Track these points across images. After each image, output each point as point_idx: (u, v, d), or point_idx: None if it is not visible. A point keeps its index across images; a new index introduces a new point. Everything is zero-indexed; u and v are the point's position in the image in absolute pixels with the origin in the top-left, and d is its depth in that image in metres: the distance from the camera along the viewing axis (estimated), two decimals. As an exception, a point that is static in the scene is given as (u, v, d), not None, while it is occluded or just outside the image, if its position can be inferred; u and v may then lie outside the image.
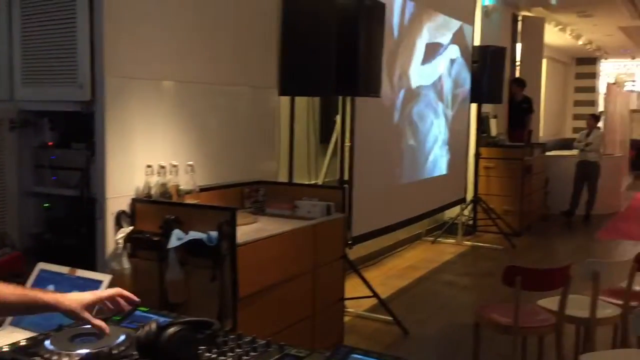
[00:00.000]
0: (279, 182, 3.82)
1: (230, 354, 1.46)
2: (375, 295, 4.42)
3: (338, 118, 4.55)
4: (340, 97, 4.46)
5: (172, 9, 2.99)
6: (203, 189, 3.06)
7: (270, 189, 3.57)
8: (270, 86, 3.73)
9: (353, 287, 4.50)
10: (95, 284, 1.74)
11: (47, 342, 1.44)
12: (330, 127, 4.73)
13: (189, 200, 2.86)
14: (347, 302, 4.34)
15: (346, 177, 4.46)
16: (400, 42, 5.21)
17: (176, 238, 2.55)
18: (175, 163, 2.86)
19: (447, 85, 6.42)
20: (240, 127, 3.51)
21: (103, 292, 1.59)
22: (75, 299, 1.51)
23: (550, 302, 3.32)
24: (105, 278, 1.73)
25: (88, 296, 1.52)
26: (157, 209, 2.69)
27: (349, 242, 4.54)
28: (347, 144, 4.49)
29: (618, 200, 9.72)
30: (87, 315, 1.48)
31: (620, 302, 3.37)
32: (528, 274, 3.09)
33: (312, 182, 4.86)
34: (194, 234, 2.56)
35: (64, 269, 1.84)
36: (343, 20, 3.98)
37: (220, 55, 3.30)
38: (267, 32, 3.68)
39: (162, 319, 1.65)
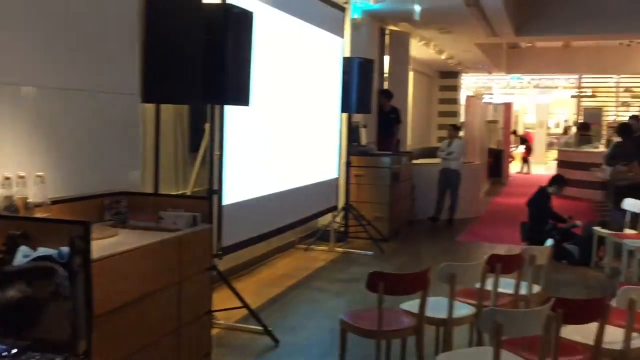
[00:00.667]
0: (142, 193, 3.68)
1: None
2: (245, 305, 4.38)
3: (207, 126, 4.46)
4: (209, 105, 4.39)
5: (18, 10, 2.78)
6: (56, 202, 2.87)
7: (133, 200, 3.42)
8: (132, 92, 3.58)
9: (225, 298, 4.43)
10: None
11: None
12: (200, 136, 4.63)
13: (39, 214, 2.66)
14: (217, 314, 4.27)
15: (216, 186, 4.39)
16: (271, 51, 5.23)
17: (22, 255, 2.35)
18: (22, 174, 2.65)
19: (317, 95, 6.55)
20: (99, 135, 3.34)
21: None
22: None
23: (412, 305, 3.46)
24: None
25: None
26: (1, 224, 2.47)
27: (219, 252, 4.47)
28: (217, 152, 4.43)
29: (478, 205, 10.42)
30: None
31: (474, 302, 3.59)
32: (390, 279, 3.20)
33: (181, 192, 4.73)
34: (43, 251, 2.38)
35: None
36: (211, 27, 3.93)
37: (76, 59, 3.12)
38: (128, 36, 3.53)
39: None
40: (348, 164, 7.47)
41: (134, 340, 2.76)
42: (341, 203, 7.39)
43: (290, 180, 5.92)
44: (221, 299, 4.37)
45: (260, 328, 4.31)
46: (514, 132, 21.58)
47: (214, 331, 4.11)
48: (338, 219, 7.38)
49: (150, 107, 4.07)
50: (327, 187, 6.96)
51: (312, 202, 6.55)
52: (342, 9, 7.21)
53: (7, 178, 2.58)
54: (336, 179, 7.25)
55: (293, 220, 6.10)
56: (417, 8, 8.13)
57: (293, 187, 5.97)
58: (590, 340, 2.93)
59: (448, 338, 3.43)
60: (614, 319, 3.01)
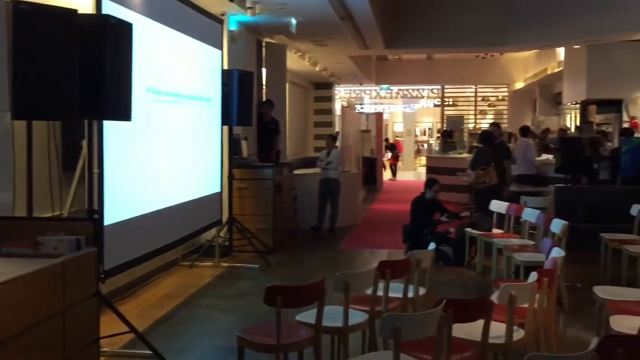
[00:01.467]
0: (16, 217, 3.39)
1: None
2: (132, 329, 4.18)
3: (84, 143, 4.21)
4: (87, 121, 4.15)
5: None
6: None
7: (5, 225, 3.15)
8: (2, 109, 3.30)
9: (109, 323, 4.19)
10: None
11: None
12: (76, 153, 4.36)
13: None
14: (103, 341, 4.02)
15: (95, 206, 4.16)
16: (149, 63, 5.06)
17: None
18: None
19: (199, 108, 6.42)
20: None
21: None
22: None
23: (308, 316, 3.48)
24: None
25: None
26: None
27: (101, 276, 4.23)
28: (96, 170, 4.20)
29: (356, 212, 10.73)
30: None
31: (366, 308, 3.69)
32: (287, 292, 3.20)
33: (57, 213, 4.41)
34: None
35: None
36: (87, 39, 3.73)
37: None
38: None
39: None
40: (231, 177, 7.39)
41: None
42: (225, 217, 7.29)
43: (173, 196, 5.75)
44: (105, 324, 4.12)
45: (149, 352, 4.13)
46: (386, 140, 22.59)
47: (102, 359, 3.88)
48: (222, 233, 7.27)
49: (20, 124, 3.76)
50: (210, 202, 6.84)
51: (196, 218, 6.40)
52: (220, 21, 7.14)
53: None
54: (219, 193, 7.14)
55: (178, 237, 5.92)
56: (293, 21, 8.26)
57: (176, 203, 5.80)
58: (477, 337, 3.11)
59: (345, 346, 3.49)
60: (495, 315, 3.23)
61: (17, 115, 3.45)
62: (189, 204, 6.14)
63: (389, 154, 21.05)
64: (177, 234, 5.89)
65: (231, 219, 7.30)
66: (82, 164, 4.27)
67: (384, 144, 22.02)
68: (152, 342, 4.21)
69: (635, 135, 10.92)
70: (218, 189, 7.11)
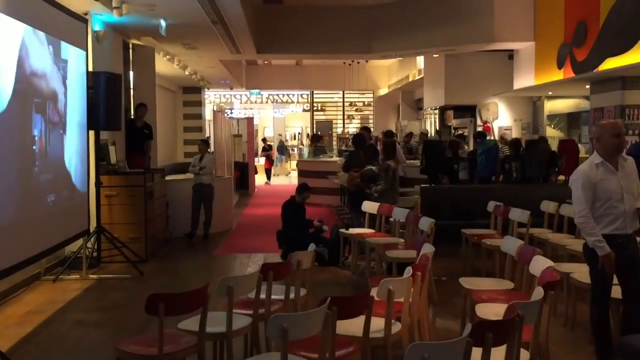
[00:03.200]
0: None
1: None
2: (-5, 351, 3.84)
3: None
4: None
5: None
6: None
7: None
8: None
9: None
10: None
11: None
12: None
13: None
14: (-43, 367, 3.66)
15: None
16: (8, 63, 4.68)
17: None
18: None
19: (62, 112, 6.04)
20: None
21: None
22: None
23: (190, 323, 3.40)
24: None
25: None
26: None
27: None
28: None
29: (230, 217, 10.63)
30: None
31: (249, 312, 3.67)
32: (170, 299, 3.11)
33: None
34: None
35: None
36: None
37: None
38: None
39: None
40: (98, 184, 7.02)
41: None
42: (92, 226, 6.91)
43: (34, 206, 5.35)
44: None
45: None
46: (264, 140, 22.66)
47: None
48: (90, 244, 6.88)
49: None
50: (75, 210, 6.45)
51: (60, 228, 6.00)
52: (84, 20, 6.77)
53: None
54: (86, 201, 6.75)
55: (40, 251, 5.51)
56: (163, 23, 8.04)
57: (37, 213, 5.41)
58: (358, 333, 3.22)
59: (229, 351, 3.45)
60: (375, 310, 3.35)
61: None
62: (52, 213, 5.75)
63: (262, 159, 21.10)
64: (40, 247, 5.49)
65: (99, 228, 6.94)
66: None
67: (261, 144, 22.13)
68: (16, 362, 3.90)
69: (488, 138, 11.87)
70: (85, 197, 6.73)
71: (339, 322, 3.10)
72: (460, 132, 14.33)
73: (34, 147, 5.36)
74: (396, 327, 3.48)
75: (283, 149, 24.21)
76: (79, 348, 4.61)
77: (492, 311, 3.66)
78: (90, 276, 6.64)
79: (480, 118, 14.66)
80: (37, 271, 6.38)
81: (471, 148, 11.84)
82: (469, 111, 14.88)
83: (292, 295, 4.01)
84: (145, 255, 7.47)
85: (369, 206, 7.24)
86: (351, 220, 8.16)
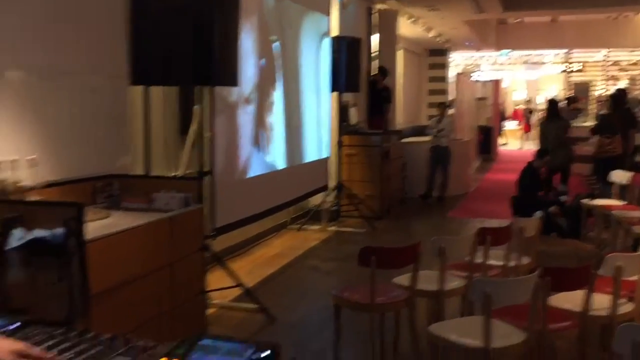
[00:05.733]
0: (134, 176, 3.70)
1: (75, 349, 1.40)
2: (240, 284, 4.43)
3: (197, 108, 4.46)
4: (198, 87, 4.39)
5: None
6: (49, 185, 2.88)
7: (125, 182, 3.44)
8: (120, 75, 3.58)
9: (219, 278, 4.47)
10: None
11: None
12: (190, 118, 4.63)
13: (32, 197, 2.68)
14: (212, 294, 4.31)
15: (207, 168, 4.41)
16: (260, 31, 5.22)
17: (17, 238, 2.38)
18: (14, 158, 2.66)
19: (308, 75, 6.55)
20: (89, 118, 3.34)
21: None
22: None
23: (403, 279, 3.52)
24: None
25: (18, 344, 1.43)
26: (-5, 207, 2.49)
27: (213, 233, 4.50)
28: (207, 134, 4.44)
29: (468, 181, 10.49)
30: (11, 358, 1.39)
31: (465, 274, 3.65)
32: (382, 253, 3.25)
33: (172, 174, 4.74)
34: (37, 233, 2.40)
35: None
36: (198, 6, 3.91)
37: (64, 42, 3.12)
38: (114, 18, 3.52)
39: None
40: (339, 143, 7.50)
41: (129, 320, 2.79)
42: (333, 182, 7.43)
43: (282, 161, 5.95)
44: (216, 279, 4.41)
45: (255, 306, 4.37)
46: (528, 103, 21.69)
47: (210, 311, 4.16)
48: (330, 199, 7.42)
49: (138, 89, 4.07)
50: (318, 167, 6.99)
51: (304, 182, 6.58)
52: (330, -12, 7.18)
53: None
54: (327, 159, 7.28)
55: (285, 201, 6.13)
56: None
57: (285, 167, 6.00)
58: (578, 307, 3.00)
59: (440, 309, 3.49)
60: (601, 287, 3.08)
61: (135, 81, 3.73)
62: (297, 168, 6.33)
63: (515, 123, 20.17)
64: (286, 197, 6.10)
65: (339, 185, 7.43)
66: (194, 128, 4.53)
67: (525, 110, 21.21)
68: (259, 297, 4.45)
69: None
70: (326, 155, 7.25)
71: (558, 295, 2.92)
72: None
73: (284, 107, 5.93)
74: (626, 307, 3.15)
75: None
76: (311, 291, 5.07)
77: None
78: (329, 228, 7.18)
79: None
80: (285, 220, 7.10)
81: None
82: None
83: (512, 263, 3.87)
84: (380, 212, 7.80)
85: (619, 175, 6.52)
86: (599, 190, 7.46)
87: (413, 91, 15.47)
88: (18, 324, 1.60)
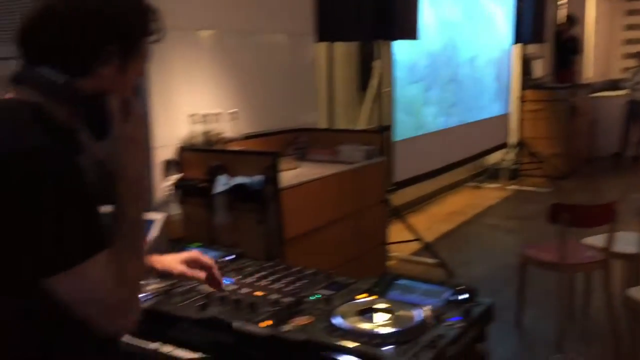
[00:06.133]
0: (319, 129, 3.85)
1: (281, 281, 1.52)
2: (419, 238, 4.46)
3: (376, 64, 4.50)
4: (378, 42, 4.41)
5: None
6: (247, 137, 3.11)
7: (311, 135, 3.60)
8: (307, 32, 3.72)
9: (397, 232, 4.54)
10: (148, 223, 1.82)
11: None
12: (369, 73, 4.70)
13: (233, 147, 2.92)
14: (391, 247, 4.40)
15: (386, 123, 4.45)
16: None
17: (222, 184, 2.62)
18: (218, 111, 2.91)
19: (489, 26, 6.26)
20: (280, 75, 3.53)
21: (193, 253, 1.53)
22: (170, 259, 1.48)
23: (595, 239, 3.29)
24: (158, 216, 1.81)
25: (182, 255, 1.51)
26: (203, 156, 2.76)
27: (391, 187, 4.56)
28: (386, 89, 4.46)
29: (670, 140, 9.39)
30: (181, 268, 1.47)
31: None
32: (574, 210, 3.06)
33: (353, 128, 4.86)
34: (238, 179, 2.63)
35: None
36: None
37: (255, 2, 3.30)
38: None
39: (213, 253, 1.73)
40: (521, 98, 7.12)
41: (318, 265, 2.94)
42: (513, 140, 7.10)
43: (460, 116, 5.81)
44: (395, 232, 4.48)
45: (434, 261, 4.38)
46: None
47: (389, 263, 4.26)
48: (510, 157, 7.12)
49: (322, 46, 4.19)
50: (497, 124, 6.72)
51: (482, 139, 6.38)
52: None
53: (206, 115, 2.86)
54: (507, 115, 6.96)
55: (462, 158, 6.00)
56: None
57: (462, 123, 5.85)
58: None
59: (639, 273, 3.22)
60: None
61: (321, 38, 3.86)
62: (476, 124, 6.14)
63: None
64: (463, 154, 5.97)
65: (520, 142, 7.09)
66: (374, 84, 4.58)
67: None
68: (437, 252, 4.45)
69: None
70: (507, 111, 6.93)
71: None
72: None
73: (463, 60, 5.75)
74: None
75: None
76: (491, 249, 4.95)
77: None
78: (508, 187, 6.91)
79: None
80: (461, 178, 6.97)
81: None
82: None
83: None
84: (566, 171, 7.32)
85: None
86: None
87: (605, 41, 14.10)
88: (233, 256, 1.78)
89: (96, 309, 1.02)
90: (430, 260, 4.42)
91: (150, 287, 1.51)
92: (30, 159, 0.98)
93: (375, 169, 3.43)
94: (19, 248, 0.99)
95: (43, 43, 1.08)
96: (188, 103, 2.86)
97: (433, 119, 5.30)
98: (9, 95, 1.10)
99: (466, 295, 1.43)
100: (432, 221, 5.68)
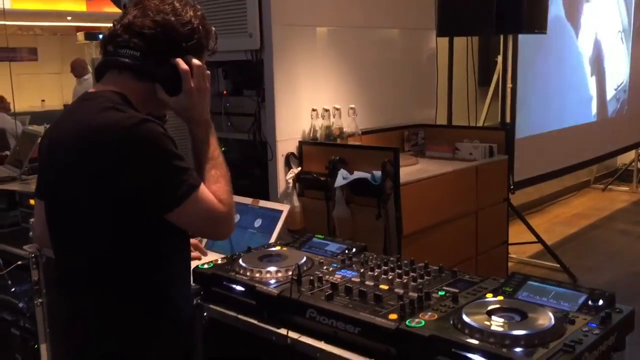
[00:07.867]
0: (438, 125, 3.79)
1: (406, 276, 1.52)
2: (541, 241, 4.27)
3: (499, 58, 4.36)
4: (501, 36, 4.26)
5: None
6: (364, 132, 3.12)
7: (429, 131, 3.55)
8: (427, 27, 3.66)
9: (516, 233, 4.38)
10: (276, 213, 1.88)
11: (240, 261, 1.60)
12: (490, 69, 4.55)
13: (352, 142, 2.94)
14: (510, 248, 4.24)
15: (508, 120, 4.30)
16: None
17: (342, 177, 2.64)
18: (338, 106, 2.94)
19: (623, 17, 5.86)
20: (398, 71, 3.50)
21: None
22: None
23: None
24: (285, 208, 1.86)
25: None
26: (323, 150, 2.80)
27: (511, 187, 4.40)
28: (509, 85, 4.31)
29: None
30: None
31: None
32: None
33: (472, 125, 4.74)
34: (358, 174, 2.64)
35: (248, 200, 1.99)
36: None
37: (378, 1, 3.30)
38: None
39: (337, 245, 1.76)
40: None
41: (436, 262, 2.90)
42: (647, 139, 6.60)
43: (587, 113, 5.48)
44: (513, 233, 4.32)
45: (556, 265, 4.18)
46: None
47: (508, 264, 4.11)
48: (642, 157, 6.64)
49: (443, 41, 4.11)
50: (630, 121, 6.26)
51: (611, 138, 5.98)
52: None
53: (326, 110, 2.90)
54: (641, 112, 6.47)
55: (588, 158, 5.66)
56: None
57: (590, 121, 5.52)
58: None
59: None
60: None
61: (441, 32, 3.79)
62: (604, 122, 5.77)
63: None
64: (589, 154, 5.63)
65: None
66: (496, 79, 4.44)
67: None
68: (559, 256, 4.24)
69: None
70: (640, 107, 6.45)
71: None
72: None
73: (598, 56, 5.42)
74: None
75: None
76: (620, 255, 4.65)
77: None
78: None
79: None
80: (587, 179, 6.59)
81: None
82: None
83: None
84: None
85: None
86: None
87: None
88: (355, 249, 1.80)
89: (212, 221, 1.38)
90: (551, 264, 4.23)
91: (280, 275, 1.56)
92: (142, 127, 1.31)
93: (498, 167, 3.32)
94: (148, 192, 1.31)
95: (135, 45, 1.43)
96: (309, 98, 2.91)
97: (558, 116, 5.04)
98: (102, 88, 1.43)
99: (602, 301, 1.35)
100: (554, 223, 5.43)
